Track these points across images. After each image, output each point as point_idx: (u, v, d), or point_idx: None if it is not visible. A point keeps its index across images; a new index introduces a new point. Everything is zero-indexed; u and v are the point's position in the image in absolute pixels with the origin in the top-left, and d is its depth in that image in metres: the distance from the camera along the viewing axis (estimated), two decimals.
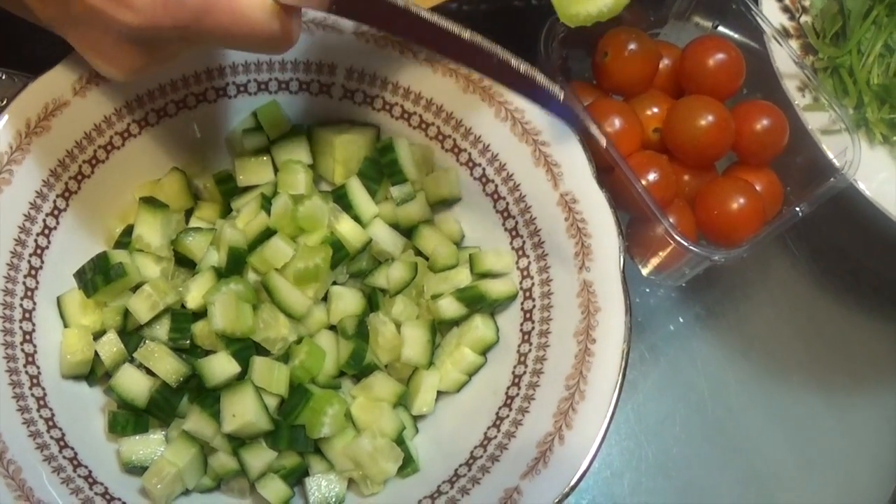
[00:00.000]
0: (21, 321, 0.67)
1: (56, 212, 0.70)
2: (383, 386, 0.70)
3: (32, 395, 0.66)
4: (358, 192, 0.75)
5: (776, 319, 0.89)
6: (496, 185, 0.75)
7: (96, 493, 0.64)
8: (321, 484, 0.68)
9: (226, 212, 0.76)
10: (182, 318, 0.69)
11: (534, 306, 0.72)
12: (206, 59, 0.74)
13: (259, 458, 0.67)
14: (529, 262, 0.73)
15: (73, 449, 0.65)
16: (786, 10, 0.92)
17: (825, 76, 0.90)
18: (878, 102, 0.89)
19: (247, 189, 0.76)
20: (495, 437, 0.68)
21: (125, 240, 0.73)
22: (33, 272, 0.69)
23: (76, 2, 0.55)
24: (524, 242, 0.73)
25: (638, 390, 0.84)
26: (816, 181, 0.77)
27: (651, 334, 0.86)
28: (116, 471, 0.67)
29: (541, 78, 0.63)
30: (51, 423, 0.65)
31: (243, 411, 0.65)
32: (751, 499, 0.83)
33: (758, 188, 0.78)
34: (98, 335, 0.69)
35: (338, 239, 0.71)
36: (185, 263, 0.72)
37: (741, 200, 0.76)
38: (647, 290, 0.87)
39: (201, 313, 0.69)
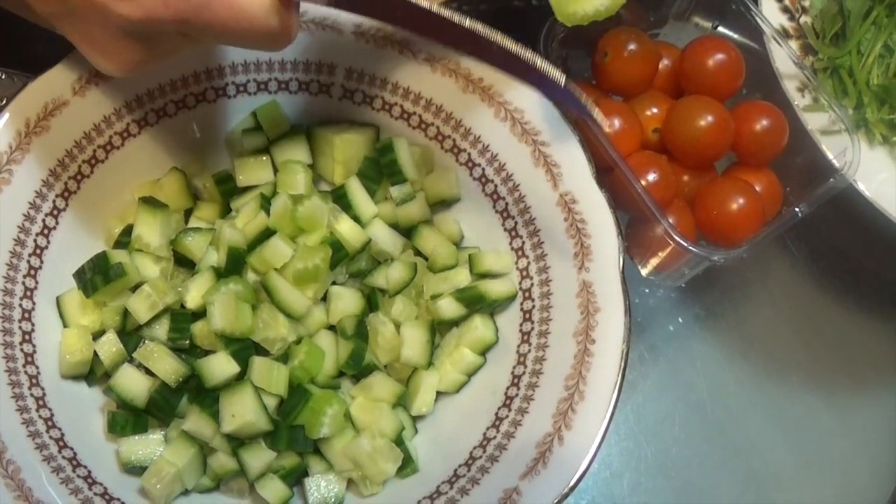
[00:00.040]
0: (20, 321, 0.67)
1: (55, 212, 0.70)
2: (382, 386, 0.70)
3: (32, 395, 0.66)
4: (357, 193, 0.75)
5: (775, 320, 0.89)
6: (496, 186, 0.75)
7: (95, 494, 0.64)
8: (320, 484, 0.68)
9: (225, 212, 0.76)
10: (181, 318, 0.69)
11: (533, 306, 0.72)
12: (205, 59, 0.74)
13: (258, 458, 0.67)
14: (529, 263, 0.73)
15: (72, 449, 0.65)
16: (785, 10, 0.92)
17: (825, 77, 0.90)
18: (878, 103, 0.89)
19: (246, 189, 0.76)
20: (494, 437, 0.68)
21: (124, 240, 0.73)
22: (32, 272, 0.69)
23: None
24: (524, 243, 0.73)
25: (637, 390, 0.84)
26: (816, 182, 0.77)
27: (650, 335, 0.86)
28: (116, 471, 0.67)
29: (541, 63, 0.62)
30: (50, 423, 0.65)
31: (242, 411, 0.65)
32: (750, 499, 0.83)
33: (757, 189, 0.78)
34: (97, 335, 0.69)
35: (337, 239, 0.71)
36: (185, 263, 0.72)
37: (741, 201, 0.76)
38: (647, 290, 0.87)
39: (201, 313, 0.69)
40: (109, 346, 0.69)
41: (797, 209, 0.75)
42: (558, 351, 0.68)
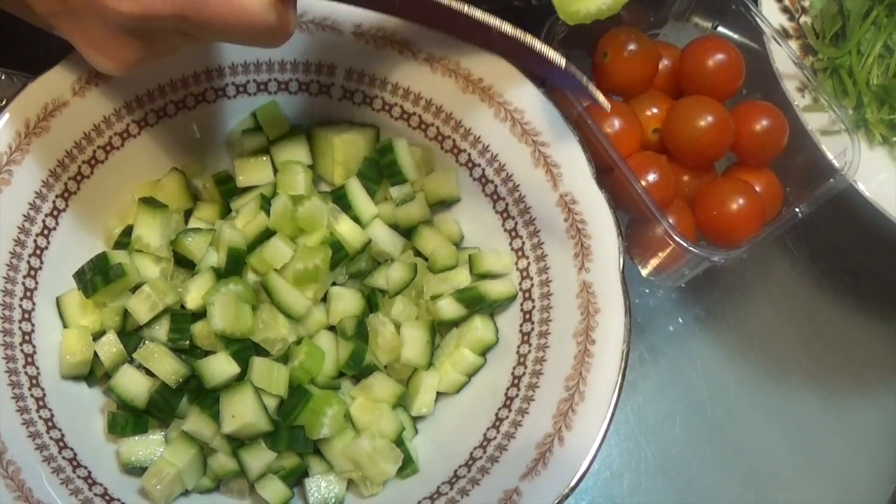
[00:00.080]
0: (20, 322, 0.67)
1: (55, 212, 0.70)
2: (383, 387, 0.70)
3: (32, 395, 0.66)
4: (357, 193, 0.75)
5: (775, 320, 0.89)
6: (496, 186, 0.75)
7: (96, 494, 0.64)
8: (320, 485, 0.68)
9: (225, 212, 0.76)
10: (181, 318, 0.69)
11: (533, 307, 0.72)
12: (205, 60, 0.74)
13: (258, 458, 0.67)
14: (529, 263, 0.73)
15: (72, 449, 0.65)
16: (785, 10, 0.92)
17: (825, 77, 0.90)
18: (878, 103, 0.89)
19: (246, 189, 0.76)
20: (495, 438, 0.68)
21: (124, 240, 0.73)
22: (32, 273, 0.69)
23: None
24: (524, 243, 0.73)
25: (637, 391, 0.84)
26: (816, 182, 0.77)
27: (650, 335, 0.86)
28: (116, 471, 0.67)
29: (540, 46, 0.62)
30: (50, 424, 0.65)
31: (243, 412, 0.65)
32: (750, 499, 0.83)
33: (757, 189, 0.78)
34: (97, 336, 0.69)
35: (337, 239, 0.71)
36: (185, 264, 0.72)
37: (741, 201, 0.76)
38: (647, 290, 0.87)
39: (201, 314, 0.69)
40: (109, 346, 0.69)
41: (797, 209, 0.75)
42: (558, 351, 0.68)
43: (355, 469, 0.68)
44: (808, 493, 0.84)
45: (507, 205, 0.74)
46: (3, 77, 0.80)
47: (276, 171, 0.76)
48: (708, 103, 0.78)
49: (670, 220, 0.73)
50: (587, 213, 0.69)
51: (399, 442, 0.69)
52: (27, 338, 0.67)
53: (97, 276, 0.68)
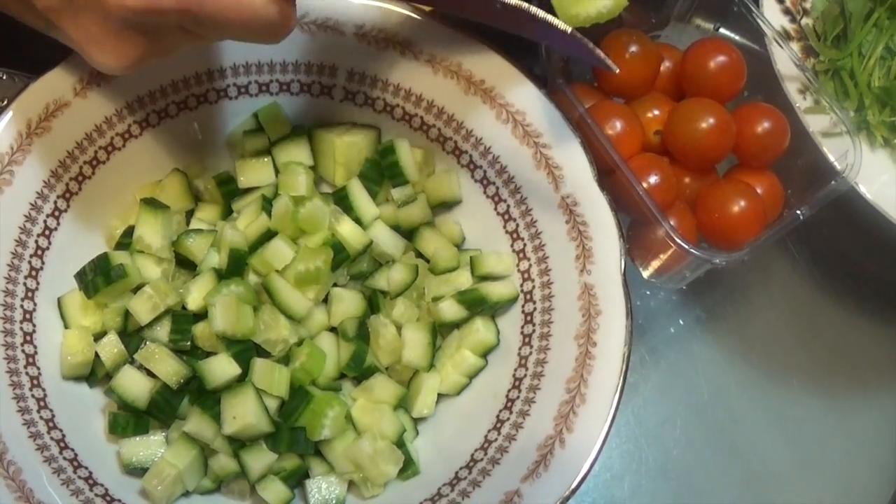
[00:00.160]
0: (22, 322, 0.67)
1: (57, 213, 0.70)
2: (384, 388, 0.70)
3: (33, 396, 0.66)
4: (359, 194, 0.75)
5: (776, 322, 0.89)
6: (497, 188, 0.75)
7: (97, 495, 0.64)
8: (321, 486, 0.68)
9: (226, 213, 0.76)
10: (183, 319, 0.69)
11: (534, 309, 0.72)
12: (206, 60, 0.74)
13: (259, 459, 0.67)
14: (530, 265, 0.73)
15: (73, 450, 0.65)
16: (787, 12, 0.92)
17: (826, 79, 0.90)
18: (879, 105, 0.89)
19: (248, 190, 0.76)
20: (496, 439, 0.68)
21: (126, 241, 0.73)
22: (34, 273, 0.69)
23: None
24: (525, 245, 0.73)
25: (638, 393, 0.84)
26: (817, 184, 0.77)
27: (651, 337, 0.86)
28: (117, 472, 0.67)
29: (544, 15, 0.62)
30: (51, 425, 0.65)
31: (244, 413, 0.65)
32: (750, 501, 0.83)
33: (759, 191, 0.78)
34: (98, 336, 0.69)
35: (338, 241, 0.71)
36: (186, 265, 0.72)
37: (742, 203, 0.76)
38: (648, 292, 0.87)
39: (202, 315, 0.69)
40: (111, 347, 0.69)
41: (798, 212, 0.75)
42: (560, 353, 0.68)
43: (356, 470, 0.68)
44: (809, 494, 0.84)
45: (508, 206, 0.74)
46: (4, 77, 0.80)
47: (277, 172, 0.76)
48: (709, 105, 0.78)
49: (671, 222, 0.73)
50: (588, 215, 0.70)
51: (400, 443, 0.69)
52: (28, 338, 0.67)
53: (98, 277, 0.68)
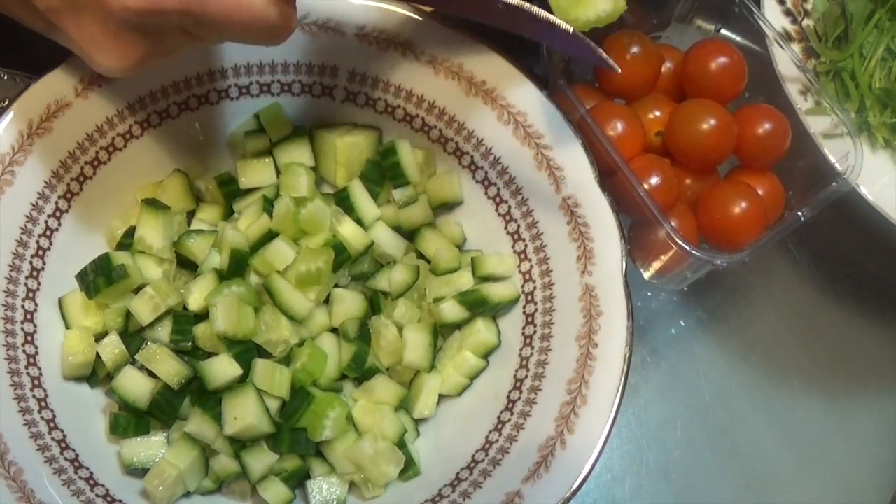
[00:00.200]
0: (23, 322, 0.67)
1: (58, 213, 0.70)
2: (385, 389, 0.70)
3: (34, 396, 0.66)
4: (360, 195, 0.75)
5: (777, 324, 0.89)
6: (498, 189, 0.75)
7: (97, 495, 0.64)
8: (322, 487, 0.68)
9: (228, 214, 0.76)
10: (184, 320, 0.69)
11: (536, 310, 0.72)
12: (207, 61, 0.74)
13: (260, 460, 0.67)
14: (531, 266, 0.73)
15: (74, 450, 0.65)
16: (788, 13, 0.92)
17: (827, 80, 0.90)
18: (880, 106, 0.89)
19: (249, 191, 0.76)
20: (497, 440, 0.68)
21: (127, 241, 0.73)
22: (35, 273, 0.69)
23: None
24: (526, 246, 0.73)
25: (639, 394, 0.84)
26: (818, 185, 0.77)
27: (652, 338, 0.86)
28: (118, 472, 0.67)
29: (546, 15, 0.62)
30: (52, 425, 0.65)
31: (245, 414, 0.65)
32: (751, 501, 0.83)
33: (760, 192, 0.78)
34: (100, 337, 0.69)
35: (340, 241, 0.71)
36: (187, 265, 0.72)
37: (743, 204, 0.76)
38: (649, 293, 0.87)
39: (203, 315, 0.69)
40: (112, 347, 0.69)
41: (799, 213, 0.75)
42: (561, 354, 0.68)
43: (357, 471, 0.68)
44: (809, 496, 0.84)
45: (509, 207, 0.74)
46: (5, 77, 0.80)
47: (278, 172, 0.76)
48: (710, 106, 0.78)
49: (673, 224, 0.73)
50: (590, 216, 0.70)
51: (401, 444, 0.69)
52: (29, 339, 0.67)
53: (100, 278, 0.68)
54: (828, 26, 0.91)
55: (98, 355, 0.69)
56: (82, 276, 0.70)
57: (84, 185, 0.71)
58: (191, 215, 0.76)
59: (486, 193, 0.76)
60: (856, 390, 0.88)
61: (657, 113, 0.81)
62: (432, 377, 0.72)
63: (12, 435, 0.62)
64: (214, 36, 0.60)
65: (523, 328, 0.72)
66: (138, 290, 0.70)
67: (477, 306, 0.72)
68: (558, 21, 0.62)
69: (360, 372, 0.71)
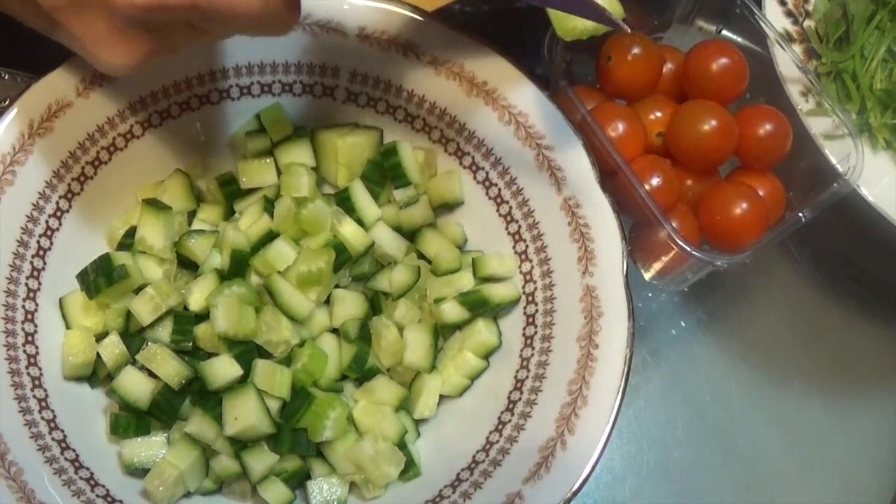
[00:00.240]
0: (23, 322, 0.67)
1: (59, 213, 0.70)
2: (385, 389, 0.70)
3: (34, 396, 0.66)
4: (361, 196, 0.75)
5: (778, 324, 0.89)
6: (499, 189, 0.75)
7: (98, 496, 0.64)
8: (323, 487, 0.68)
9: (228, 214, 0.76)
10: (184, 320, 0.69)
11: (536, 311, 0.72)
12: (209, 61, 0.74)
13: (261, 461, 0.67)
14: (532, 267, 0.73)
15: (74, 451, 0.65)
16: (789, 14, 0.92)
17: (828, 81, 0.90)
18: (882, 107, 0.89)
19: (250, 191, 0.76)
20: (497, 441, 0.68)
21: (128, 241, 0.73)
22: (36, 273, 0.69)
23: None
24: (527, 246, 0.73)
25: (640, 395, 0.84)
26: (819, 186, 0.77)
27: (653, 339, 0.86)
28: (118, 473, 0.67)
29: None
30: (52, 425, 0.65)
31: (245, 414, 0.65)
32: (751, 502, 0.83)
33: (761, 193, 0.78)
34: (100, 337, 0.69)
35: (340, 242, 0.71)
36: (188, 265, 0.72)
37: (744, 205, 0.76)
38: (650, 294, 0.87)
39: (204, 316, 0.69)
40: (112, 347, 0.69)
41: (800, 214, 0.75)
42: (561, 355, 0.68)
43: (357, 472, 0.68)
44: (809, 496, 0.84)
45: (510, 208, 0.74)
46: (6, 77, 0.80)
47: (279, 173, 0.76)
48: (712, 107, 0.78)
49: (674, 224, 0.73)
50: (591, 217, 0.69)
51: (401, 445, 0.69)
52: (30, 339, 0.67)
53: (100, 278, 0.68)
54: (829, 27, 0.92)
55: (98, 355, 0.69)
56: (83, 277, 0.70)
57: (85, 185, 0.71)
58: (192, 215, 0.76)
59: (486, 194, 0.76)
60: (856, 391, 0.88)
61: (658, 114, 0.81)
62: (433, 378, 0.72)
63: (13, 435, 0.62)
64: (220, 29, 0.59)
65: (524, 329, 0.72)
66: (139, 290, 0.69)
67: (478, 307, 0.72)
68: None
69: (360, 372, 0.70)
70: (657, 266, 0.81)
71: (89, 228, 0.72)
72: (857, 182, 0.78)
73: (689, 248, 0.72)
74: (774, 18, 0.90)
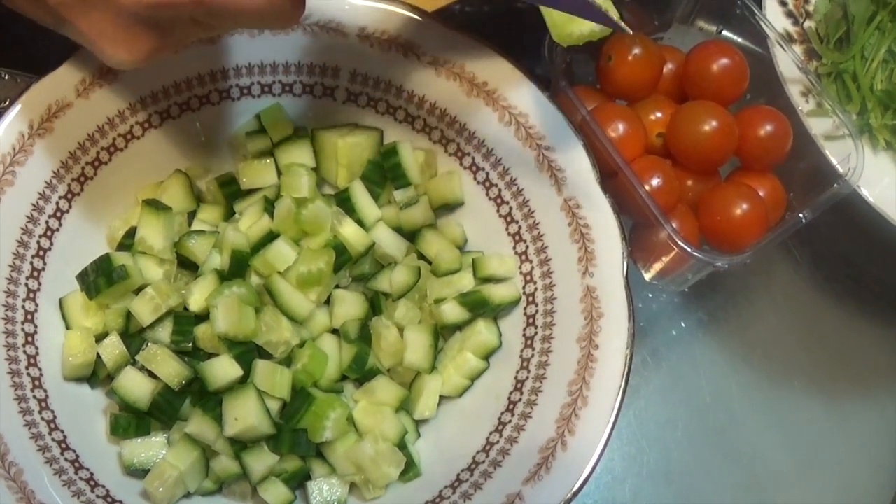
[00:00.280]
0: (23, 323, 0.67)
1: (59, 213, 0.70)
2: (385, 390, 0.70)
3: (34, 397, 0.66)
4: (361, 196, 0.75)
5: (778, 325, 0.89)
6: (499, 190, 0.75)
7: (98, 496, 0.64)
8: (323, 488, 0.68)
9: (229, 214, 0.76)
10: (184, 320, 0.69)
11: (537, 311, 0.71)
12: (209, 62, 0.74)
13: (261, 461, 0.67)
14: (532, 267, 0.73)
15: (74, 451, 0.65)
16: (789, 14, 0.92)
17: (829, 81, 0.90)
18: (882, 108, 0.89)
19: (250, 192, 0.76)
20: (497, 442, 0.68)
21: (128, 242, 0.72)
22: (36, 273, 0.69)
23: None
24: (527, 247, 0.73)
25: (640, 395, 0.84)
26: (819, 187, 0.77)
27: (653, 339, 0.86)
28: (118, 473, 0.67)
29: None
30: (52, 426, 0.65)
31: (245, 415, 0.65)
32: (751, 503, 0.83)
33: (761, 194, 0.78)
34: (100, 337, 0.69)
35: (341, 242, 0.71)
36: (188, 266, 0.72)
37: (744, 206, 0.76)
38: (650, 294, 0.87)
39: (204, 316, 0.69)
40: (112, 348, 0.69)
41: (801, 215, 0.75)
42: (562, 356, 0.68)
43: (358, 472, 0.68)
44: (810, 496, 0.84)
45: (510, 208, 0.74)
46: (6, 77, 0.80)
47: (279, 173, 0.76)
48: (712, 108, 0.78)
49: (674, 225, 0.73)
50: (591, 218, 0.69)
51: (402, 445, 0.69)
52: (30, 339, 0.67)
53: (100, 278, 0.68)
54: (829, 28, 0.91)
55: (99, 356, 0.69)
56: (83, 277, 0.70)
57: (85, 186, 0.71)
58: (192, 216, 0.76)
59: (487, 194, 0.76)
60: (856, 391, 0.88)
61: (658, 114, 0.81)
62: (433, 378, 0.72)
63: (13, 435, 0.62)
64: (226, 24, 0.59)
65: (524, 329, 0.72)
66: (139, 290, 0.69)
67: (478, 307, 0.72)
68: None
69: (360, 373, 0.70)
70: (657, 267, 0.81)
71: (89, 229, 0.72)
72: (858, 183, 0.78)
73: (689, 249, 0.72)
74: (775, 19, 0.90)
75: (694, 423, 0.84)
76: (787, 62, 0.82)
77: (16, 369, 0.65)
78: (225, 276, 0.70)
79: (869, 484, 0.85)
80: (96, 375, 0.70)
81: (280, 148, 0.76)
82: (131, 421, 0.68)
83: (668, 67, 0.84)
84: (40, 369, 0.67)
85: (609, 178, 0.71)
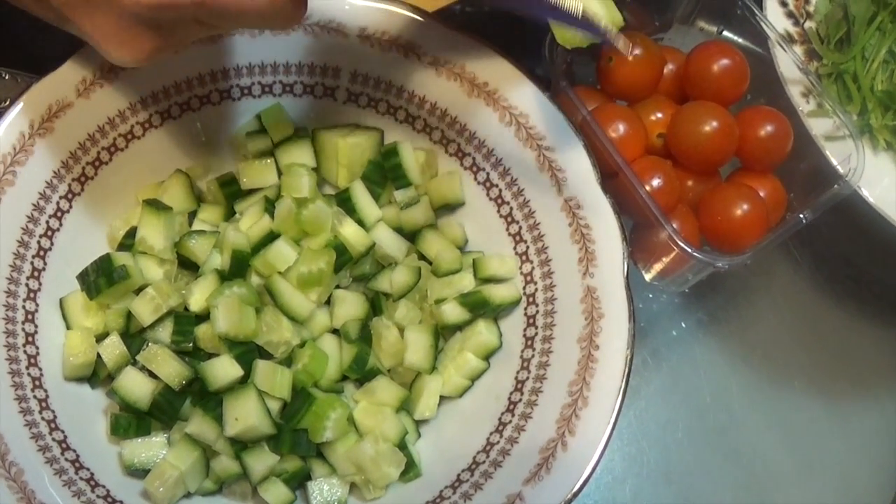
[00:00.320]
0: (24, 323, 0.67)
1: (59, 213, 0.70)
2: (386, 390, 0.70)
3: (35, 397, 0.66)
4: (362, 196, 0.75)
5: (778, 325, 0.89)
6: (500, 190, 0.75)
7: (98, 496, 0.64)
8: (323, 488, 0.68)
9: (229, 214, 0.76)
10: (185, 320, 0.69)
11: (537, 312, 0.72)
12: (210, 62, 0.74)
13: (261, 461, 0.67)
14: (533, 268, 0.73)
15: (75, 451, 0.65)
16: (790, 15, 0.92)
17: (829, 82, 0.90)
18: (882, 109, 0.89)
19: (250, 192, 0.76)
20: (498, 442, 0.68)
21: (128, 242, 0.72)
22: (36, 273, 0.69)
23: None
24: (528, 247, 0.73)
25: (640, 396, 0.84)
26: (820, 187, 0.77)
27: (654, 340, 0.86)
28: (118, 473, 0.67)
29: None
30: (53, 426, 0.65)
31: (246, 415, 0.65)
32: (751, 503, 0.83)
33: (761, 194, 0.78)
34: (101, 337, 0.69)
35: (341, 243, 0.71)
36: (189, 266, 0.72)
37: (745, 207, 0.76)
38: (650, 295, 0.87)
39: (204, 316, 0.69)
40: (113, 348, 0.69)
41: (801, 215, 0.75)
42: (562, 356, 0.68)
43: (358, 472, 0.68)
44: (810, 496, 0.84)
45: (511, 209, 0.74)
46: (6, 77, 0.80)
47: (280, 173, 0.76)
48: (713, 108, 0.78)
49: (674, 226, 0.73)
50: (591, 218, 0.69)
51: (402, 446, 0.69)
52: (30, 339, 0.67)
53: (101, 278, 0.68)
54: (830, 28, 0.92)
55: (99, 356, 0.69)
56: (83, 277, 0.70)
57: (86, 186, 0.71)
58: (192, 216, 0.76)
59: (487, 195, 0.76)
60: (856, 392, 0.88)
61: (659, 115, 0.81)
62: (433, 378, 0.72)
63: (13, 435, 0.62)
64: (228, 24, 0.60)
65: (524, 330, 0.72)
66: (139, 290, 0.70)
67: (478, 308, 0.72)
68: (569, 2, 0.60)
69: (361, 373, 0.70)
70: (658, 267, 0.81)
71: (90, 229, 0.72)
72: (858, 183, 0.78)
73: (689, 250, 0.72)
74: (775, 19, 0.90)
75: (694, 424, 0.84)
76: (788, 63, 0.82)
77: (16, 369, 0.65)
78: (225, 277, 0.70)
79: (869, 484, 0.85)
80: (97, 375, 0.70)
81: (280, 148, 0.76)
82: (132, 421, 0.68)
83: (669, 68, 0.84)
84: (41, 369, 0.67)
85: (609, 178, 0.71)
